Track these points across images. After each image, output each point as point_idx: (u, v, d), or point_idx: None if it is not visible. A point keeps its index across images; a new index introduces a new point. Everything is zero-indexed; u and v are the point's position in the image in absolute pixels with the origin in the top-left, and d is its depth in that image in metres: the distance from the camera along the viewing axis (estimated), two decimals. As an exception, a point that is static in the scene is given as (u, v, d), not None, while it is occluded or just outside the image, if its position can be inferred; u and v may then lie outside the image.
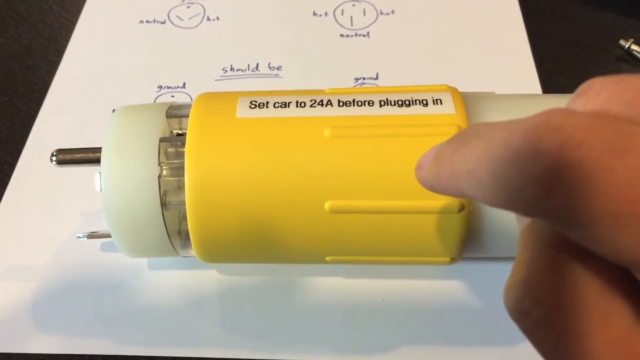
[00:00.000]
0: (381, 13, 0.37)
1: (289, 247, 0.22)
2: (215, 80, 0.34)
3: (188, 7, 0.37)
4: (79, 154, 0.23)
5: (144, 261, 0.27)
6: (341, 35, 0.36)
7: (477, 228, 0.21)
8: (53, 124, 0.32)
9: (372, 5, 0.37)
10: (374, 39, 0.36)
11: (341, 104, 0.21)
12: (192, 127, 0.21)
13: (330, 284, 0.26)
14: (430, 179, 0.14)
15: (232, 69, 0.34)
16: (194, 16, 0.37)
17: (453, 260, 0.22)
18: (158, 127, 0.22)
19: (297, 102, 0.22)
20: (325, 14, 0.37)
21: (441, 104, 0.21)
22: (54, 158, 0.23)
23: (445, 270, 0.26)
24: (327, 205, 0.20)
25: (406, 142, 0.20)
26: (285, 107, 0.21)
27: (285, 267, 0.27)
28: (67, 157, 0.23)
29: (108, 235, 0.25)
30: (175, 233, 0.24)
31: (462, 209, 0.20)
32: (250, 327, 0.25)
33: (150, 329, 0.25)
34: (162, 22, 0.36)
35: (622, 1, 0.37)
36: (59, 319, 0.25)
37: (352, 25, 0.36)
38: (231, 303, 0.26)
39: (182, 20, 0.37)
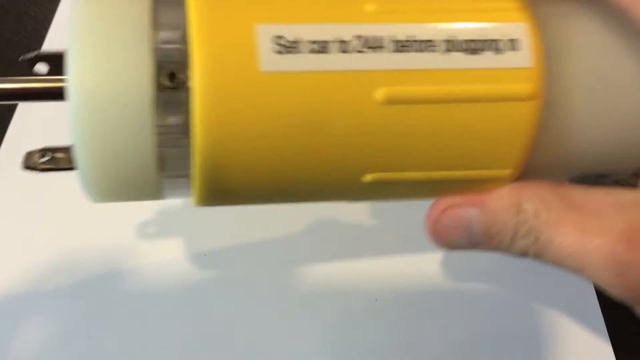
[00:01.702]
0: None
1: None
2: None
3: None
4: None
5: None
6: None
7: (550, 127, 0.18)
8: (29, 122, 0.31)
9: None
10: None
11: (396, 46, 0.16)
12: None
13: (321, 284, 0.26)
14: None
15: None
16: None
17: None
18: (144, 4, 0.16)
19: (337, 40, 0.16)
20: None
21: (517, 49, 0.17)
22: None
23: (439, 269, 0.26)
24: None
25: (474, 110, 0.17)
26: (324, 51, 0.16)
27: (271, 266, 0.26)
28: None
29: (67, 166, 0.18)
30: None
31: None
32: (235, 332, 0.25)
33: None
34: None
35: None
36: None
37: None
38: (217, 303, 0.25)
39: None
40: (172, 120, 0.16)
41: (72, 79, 0.15)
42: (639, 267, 0.14)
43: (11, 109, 0.32)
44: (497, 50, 0.17)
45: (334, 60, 0.16)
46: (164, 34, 0.16)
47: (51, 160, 0.18)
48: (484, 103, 0.17)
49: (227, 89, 0.15)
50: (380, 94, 0.16)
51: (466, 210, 0.18)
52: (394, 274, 0.26)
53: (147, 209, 0.28)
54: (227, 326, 0.25)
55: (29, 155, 0.18)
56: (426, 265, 0.27)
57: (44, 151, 0.18)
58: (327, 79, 0.16)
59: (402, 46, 0.16)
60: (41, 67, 0.17)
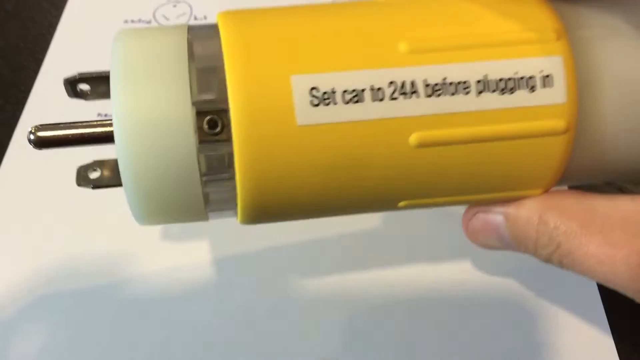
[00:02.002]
0: None
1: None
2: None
3: (174, 6, 0.37)
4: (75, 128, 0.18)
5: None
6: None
7: (581, 154, 0.18)
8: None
9: None
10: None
11: (429, 90, 0.17)
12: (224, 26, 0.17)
13: (325, 292, 0.26)
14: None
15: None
16: (180, 15, 0.36)
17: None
18: (182, 47, 0.17)
19: (371, 88, 0.16)
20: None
21: (551, 85, 0.17)
22: (32, 137, 0.18)
23: (443, 276, 0.26)
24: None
25: (507, 147, 0.17)
26: (358, 100, 0.16)
27: (278, 276, 0.26)
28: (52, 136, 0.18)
29: (118, 184, 0.18)
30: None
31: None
32: (238, 338, 0.25)
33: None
34: (148, 22, 0.36)
35: None
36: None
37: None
38: (221, 313, 0.26)
39: (168, 19, 0.36)
40: (217, 166, 0.17)
41: (117, 125, 0.16)
42: None
43: (16, 114, 0.33)
44: (531, 88, 0.17)
45: (369, 109, 0.16)
46: (203, 83, 0.17)
47: (100, 178, 0.19)
48: (516, 140, 0.17)
49: (265, 144, 0.16)
50: (414, 138, 0.17)
51: (494, 217, 0.19)
52: (398, 281, 0.26)
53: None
54: (231, 332, 0.25)
55: (82, 170, 0.19)
56: (431, 272, 0.27)
57: (93, 166, 0.19)
58: (362, 128, 0.17)
59: (435, 90, 0.17)
60: (83, 87, 0.18)
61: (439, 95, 0.17)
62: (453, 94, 0.17)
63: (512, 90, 0.17)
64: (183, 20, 0.36)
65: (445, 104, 0.17)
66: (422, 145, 0.17)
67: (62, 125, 0.18)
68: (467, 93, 0.17)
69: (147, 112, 0.16)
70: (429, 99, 0.17)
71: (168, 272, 0.27)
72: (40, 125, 0.17)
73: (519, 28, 0.17)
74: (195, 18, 0.36)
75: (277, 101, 0.16)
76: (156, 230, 0.28)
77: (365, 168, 0.17)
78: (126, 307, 0.26)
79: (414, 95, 0.16)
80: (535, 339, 0.25)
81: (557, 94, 0.17)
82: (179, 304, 0.26)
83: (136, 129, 0.16)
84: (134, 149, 0.16)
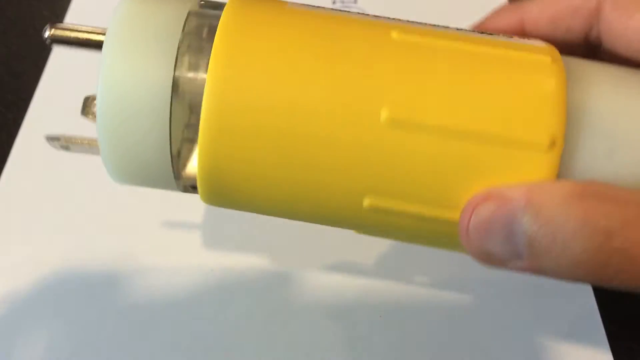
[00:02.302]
0: None
1: (325, 174, 0.17)
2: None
3: None
4: (78, 32, 0.20)
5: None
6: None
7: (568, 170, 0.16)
8: (37, 135, 0.32)
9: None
10: None
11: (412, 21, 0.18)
12: (227, 12, 0.17)
13: (325, 300, 0.26)
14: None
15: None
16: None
17: (552, 144, 0.16)
18: (181, 16, 0.18)
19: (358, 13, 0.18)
20: None
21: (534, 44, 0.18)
22: (46, 33, 0.20)
23: (443, 286, 0.27)
24: (384, 115, 0.16)
25: (491, 62, 0.16)
26: (344, 12, 0.18)
27: (277, 284, 0.27)
28: (63, 35, 0.20)
29: (93, 145, 0.20)
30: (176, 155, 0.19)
31: (552, 144, 0.16)
32: (238, 348, 0.25)
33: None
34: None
35: None
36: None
37: None
38: (222, 321, 0.26)
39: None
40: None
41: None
42: None
43: (17, 121, 0.33)
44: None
45: (352, 15, 0.18)
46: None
47: (74, 138, 0.21)
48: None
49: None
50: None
51: (510, 200, 0.14)
52: (398, 290, 0.27)
53: (153, 220, 0.29)
54: (230, 342, 0.25)
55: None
56: (430, 281, 0.27)
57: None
58: (345, 18, 0.17)
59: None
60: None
61: (420, 24, 0.18)
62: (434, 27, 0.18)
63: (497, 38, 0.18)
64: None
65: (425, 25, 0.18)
66: (403, 39, 0.17)
67: (75, 28, 0.20)
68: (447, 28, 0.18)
69: (131, 71, 0.17)
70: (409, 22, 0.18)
71: (169, 277, 0.27)
72: (56, 24, 0.20)
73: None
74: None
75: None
76: (159, 236, 0.28)
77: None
78: (128, 312, 0.26)
79: (395, 20, 0.18)
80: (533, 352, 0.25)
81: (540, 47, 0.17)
82: (180, 310, 0.26)
83: (116, 91, 0.17)
84: (111, 108, 0.17)
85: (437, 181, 0.16)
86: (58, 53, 0.36)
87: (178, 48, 0.17)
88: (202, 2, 0.19)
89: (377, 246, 0.28)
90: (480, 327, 0.26)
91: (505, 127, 0.16)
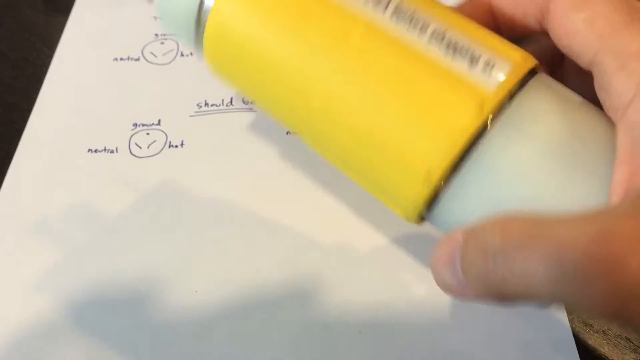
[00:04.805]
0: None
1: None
2: (190, 116, 0.34)
3: (162, 43, 0.38)
4: None
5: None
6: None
7: (486, 158, 0.18)
8: (28, 166, 0.33)
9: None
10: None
11: (395, 11, 0.19)
12: None
13: (304, 317, 0.27)
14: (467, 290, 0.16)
15: (206, 104, 0.35)
16: (167, 52, 0.37)
17: (429, 177, 0.18)
18: None
19: None
20: None
21: (489, 73, 0.18)
22: None
23: (423, 302, 0.27)
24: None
25: (422, 85, 0.18)
26: None
27: (257, 302, 0.27)
28: None
29: None
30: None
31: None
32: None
33: None
34: (137, 59, 0.37)
35: None
36: None
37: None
38: (204, 338, 0.26)
39: (155, 56, 0.37)
40: None
41: None
42: None
43: (9, 153, 0.34)
44: (473, 62, 0.18)
45: None
46: None
47: None
48: (432, 88, 0.18)
49: None
50: (357, 37, 0.19)
51: (453, 237, 0.17)
52: (377, 306, 0.27)
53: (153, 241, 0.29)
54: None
55: None
56: (410, 297, 0.27)
57: None
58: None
59: (400, 14, 0.19)
60: None
61: (399, 20, 0.19)
62: (410, 25, 0.19)
63: (455, 53, 0.18)
64: (170, 57, 0.37)
65: (399, 28, 0.19)
66: (361, 38, 0.19)
67: None
68: (423, 33, 0.19)
69: None
70: (390, 17, 0.19)
71: (187, 296, 0.27)
72: None
73: (496, 38, 0.19)
74: (182, 55, 0.37)
75: None
76: (172, 253, 0.29)
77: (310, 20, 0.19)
78: (142, 329, 0.27)
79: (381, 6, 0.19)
80: None
81: (487, 81, 0.18)
82: (194, 329, 0.27)
83: None
84: None
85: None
86: (49, 85, 0.37)
87: None
88: None
89: (357, 262, 0.28)
90: (459, 345, 0.26)
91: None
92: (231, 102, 0.35)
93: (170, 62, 0.37)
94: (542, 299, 0.15)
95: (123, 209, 0.30)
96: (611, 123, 0.17)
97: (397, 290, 0.27)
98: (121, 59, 0.37)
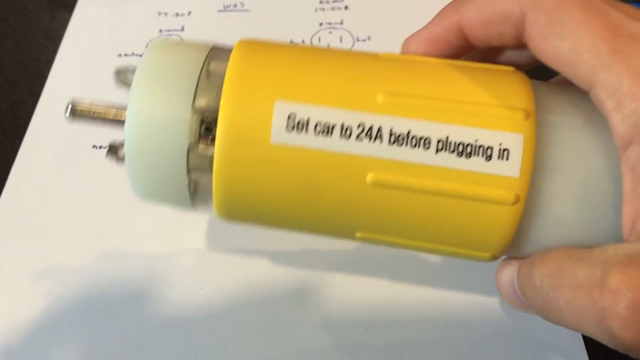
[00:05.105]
0: (358, 40, 0.37)
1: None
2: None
3: (166, 38, 0.38)
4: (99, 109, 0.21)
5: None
6: (318, 63, 0.36)
7: (529, 225, 0.19)
8: (32, 162, 0.33)
9: (348, 32, 0.38)
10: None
11: (393, 138, 0.18)
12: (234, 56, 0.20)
13: (311, 314, 0.27)
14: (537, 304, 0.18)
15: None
16: (172, 48, 0.37)
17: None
18: (197, 63, 0.20)
19: (342, 127, 0.18)
20: (302, 41, 0.37)
21: (507, 158, 0.18)
22: (69, 109, 0.21)
23: (429, 299, 0.27)
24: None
25: (457, 205, 0.19)
26: (328, 133, 0.18)
27: (263, 299, 0.27)
28: (84, 109, 0.21)
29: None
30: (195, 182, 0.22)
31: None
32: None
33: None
34: (141, 55, 0.37)
35: None
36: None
37: (329, 52, 0.37)
38: (210, 337, 0.26)
39: (160, 52, 0.37)
40: (205, 164, 0.20)
41: (130, 112, 0.20)
42: None
43: (15, 147, 0.34)
44: (488, 157, 0.18)
45: (334, 143, 0.18)
46: (205, 97, 0.20)
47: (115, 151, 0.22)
48: (466, 201, 0.18)
49: (240, 153, 0.19)
50: (370, 177, 0.18)
51: (509, 268, 0.20)
52: (384, 304, 0.27)
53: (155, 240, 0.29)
54: (219, 357, 0.26)
55: (112, 147, 0.22)
56: (416, 295, 0.27)
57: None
58: (325, 157, 0.19)
59: (398, 139, 0.18)
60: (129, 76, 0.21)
61: (400, 144, 0.18)
62: (414, 147, 0.18)
63: (469, 155, 0.18)
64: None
65: (404, 153, 0.18)
66: (376, 184, 0.18)
67: (93, 104, 0.21)
68: (427, 149, 0.18)
69: (154, 109, 0.19)
70: (390, 145, 0.18)
71: (165, 302, 0.28)
72: (76, 99, 0.21)
73: (490, 101, 0.18)
74: (187, 50, 0.37)
75: (258, 119, 0.18)
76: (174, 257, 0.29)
77: (323, 193, 0.19)
78: (141, 327, 0.27)
79: (378, 139, 0.18)
80: None
81: (511, 168, 0.18)
82: (172, 327, 0.27)
83: (142, 123, 0.19)
84: (137, 136, 0.19)
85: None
86: (53, 82, 0.37)
87: (195, 89, 0.19)
88: (212, 48, 0.21)
89: (363, 260, 0.28)
90: (467, 343, 0.26)
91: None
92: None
93: (174, 58, 0.37)
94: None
95: (127, 205, 0.31)
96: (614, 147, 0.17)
97: (404, 288, 0.27)
98: (125, 54, 0.37)
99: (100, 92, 0.36)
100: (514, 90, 0.19)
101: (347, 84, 0.19)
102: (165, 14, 0.40)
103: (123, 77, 0.21)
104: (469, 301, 0.27)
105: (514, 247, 0.19)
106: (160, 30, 0.38)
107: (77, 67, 0.37)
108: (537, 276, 0.18)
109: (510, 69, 0.20)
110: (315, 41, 0.37)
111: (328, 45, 0.37)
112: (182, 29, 0.39)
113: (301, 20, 0.38)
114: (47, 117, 0.35)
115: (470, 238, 0.19)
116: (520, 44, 0.19)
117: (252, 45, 0.20)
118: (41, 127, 0.34)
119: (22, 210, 0.31)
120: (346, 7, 0.39)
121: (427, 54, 0.20)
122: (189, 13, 0.40)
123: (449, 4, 0.20)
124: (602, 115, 0.17)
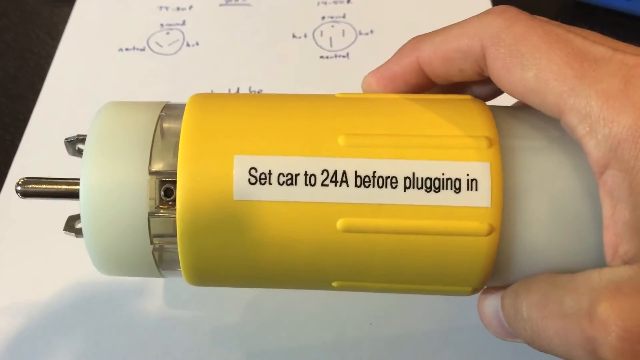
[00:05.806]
0: (360, 33, 0.37)
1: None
2: (195, 105, 0.34)
3: (167, 33, 0.38)
4: (52, 184, 0.20)
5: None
6: (321, 57, 0.36)
7: (507, 254, 0.19)
8: (33, 156, 0.33)
9: (350, 25, 0.37)
10: (354, 60, 0.35)
11: (359, 181, 0.18)
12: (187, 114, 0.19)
13: (315, 308, 0.27)
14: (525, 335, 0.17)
15: (212, 94, 0.35)
16: (173, 42, 0.37)
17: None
18: (150, 124, 0.19)
19: (305, 175, 0.18)
20: (305, 35, 0.37)
21: (476, 189, 0.18)
22: (19, 188, 0.20)
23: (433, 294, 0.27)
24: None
25: (431, 241, 0.18)
26: (292, 183, 0.18)
27: (268, 294, 0.27)
28: (34, 187, 0.20)
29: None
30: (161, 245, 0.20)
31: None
32: (233, 356, 0.25)
33: None
34: (142, 49, 0.37)
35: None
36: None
37: (331, 46, 0.36)
38: (214, 331, 0.26)
39: (161, 46, 0.37)
40: (168, 230, 0.19)
41: (83, 184, 0.18)
42: None
43: (15, 142, 0.33)
44: (457, 189, 0.18)
45: (300, 192, 0.18)
46: (161, 159, 0.19)
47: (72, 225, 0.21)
48: (440, 236, 0.18)
49: (203, 215, 0.18)
50: (340, 223, 0.18)
51: (492, 299, 0.19)
52: (388, 298, 0.27)
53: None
54: (221, 351, 0.26)
55: (70, 219, 0.21)
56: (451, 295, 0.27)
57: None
58: (293, 209, 0.18)
59: (365, 181, 0.18)
60: (81, 146, 0.20)
61: (367, 186, 0.18)
62: (381, 187, 0.18)
63: (437, 190, 0.18)
64: (175, 47, 0.37)
65: (372, 195, 0.18)
66: (347, 230, 0.18)
67: (43, 180, 0.20)
68: (395, 187, 0.18)
69: (108, 178, 0.18)
70: (357, 188, 0.18)
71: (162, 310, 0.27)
72: (26, 178, 0.20)
73: (452, 132, 0.18)
74: (188, 45, 0.37)
75: (218, 177, 0.18)
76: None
77: (294, 247, 0.18)
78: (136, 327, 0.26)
79: (344, 184, 0.18)
80: None
81: (481, 198, 0.18)
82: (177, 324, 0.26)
83: (96, 192, 0.18)
84: (93, 209, 0.18)
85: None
86: (54, 76, 0.36)
87: (150, 152, 0.18)
88: (165, 106, 0.20)
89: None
90: (471, 338, 0.26)
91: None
92: (238, 91, 0.34)
93: (176, 52, 0.37)
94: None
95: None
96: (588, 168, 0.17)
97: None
98: (126, 49, 0.37)
99: (103, 86, 0.36)
100: (474, 118, 0.18)
101: (307, 129, 0.18)
102: (167, 8, 0.39)
103: (76, 146, 0.21)
104: (474, 295, 0.27)
105: (495, 277, 0.19)
106: (162, 24, 0.38)
107: (77, 61, 0.37)
108: (524, 306, 0.17)
109: (468, 97, 0.19)
110: (317, 35, 0.37)
111: (330, 39, 0.37)
112: (184, 22, 0.38)
113: (303, 14, 0.38)
114: (47, 112, 0.35)
115: (449, 274, 0.19)
116: (482, 78, 0.18)
117: (205, 100, 0.19)
118: (41, 122, 0.34)
119: (23, 204, 0.30)
120: (348, 1, 0.39)
121: (386, 93, 0.20)
122: (190, 7, 0.39)
123: (408, 42, 0.20)
124: (571, 138, 0.16)
